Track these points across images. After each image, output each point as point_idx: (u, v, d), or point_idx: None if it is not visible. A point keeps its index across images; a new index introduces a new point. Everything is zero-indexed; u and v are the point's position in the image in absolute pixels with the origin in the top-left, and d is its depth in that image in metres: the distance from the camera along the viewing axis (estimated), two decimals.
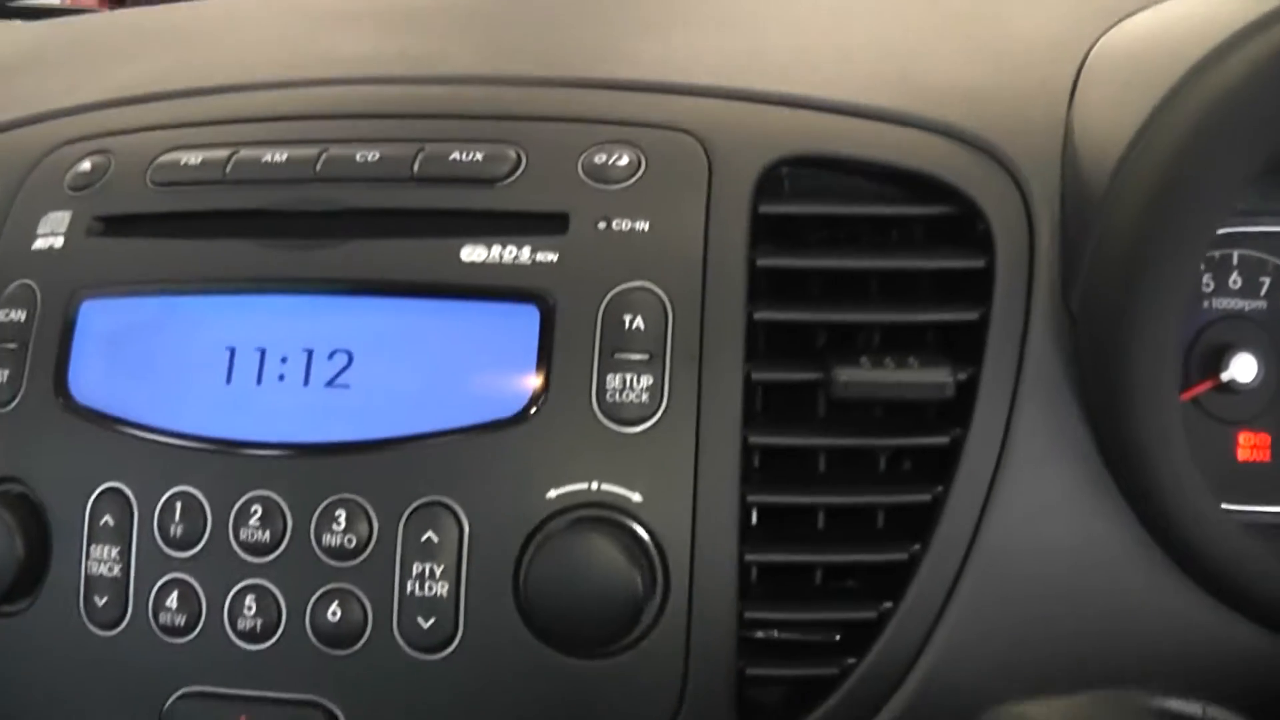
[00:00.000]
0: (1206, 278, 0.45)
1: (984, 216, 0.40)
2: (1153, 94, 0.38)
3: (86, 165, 0.46)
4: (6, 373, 0.44)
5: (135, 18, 0.73)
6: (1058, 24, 0.49)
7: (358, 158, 0.43)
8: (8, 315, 0.45)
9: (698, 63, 0.47)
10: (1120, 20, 0.48)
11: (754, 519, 0.39)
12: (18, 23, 0.86)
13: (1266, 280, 0.45)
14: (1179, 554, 0.39)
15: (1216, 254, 0.46)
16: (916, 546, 0.39)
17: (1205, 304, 0.45)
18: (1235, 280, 0.45)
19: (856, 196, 0.42)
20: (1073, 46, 0.46)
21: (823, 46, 0.48)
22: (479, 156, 0.42)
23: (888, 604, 0.39)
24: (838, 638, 0.40)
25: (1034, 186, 0.41)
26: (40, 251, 0.45)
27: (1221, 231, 0.45)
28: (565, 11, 0.56)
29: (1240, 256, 0.46)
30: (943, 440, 0.39)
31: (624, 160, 0.41)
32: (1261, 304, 0.45)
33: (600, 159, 0.41)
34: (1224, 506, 0.40)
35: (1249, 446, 0.45)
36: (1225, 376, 0.44)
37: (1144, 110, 0.38)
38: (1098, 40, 0.46)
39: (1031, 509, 0.39)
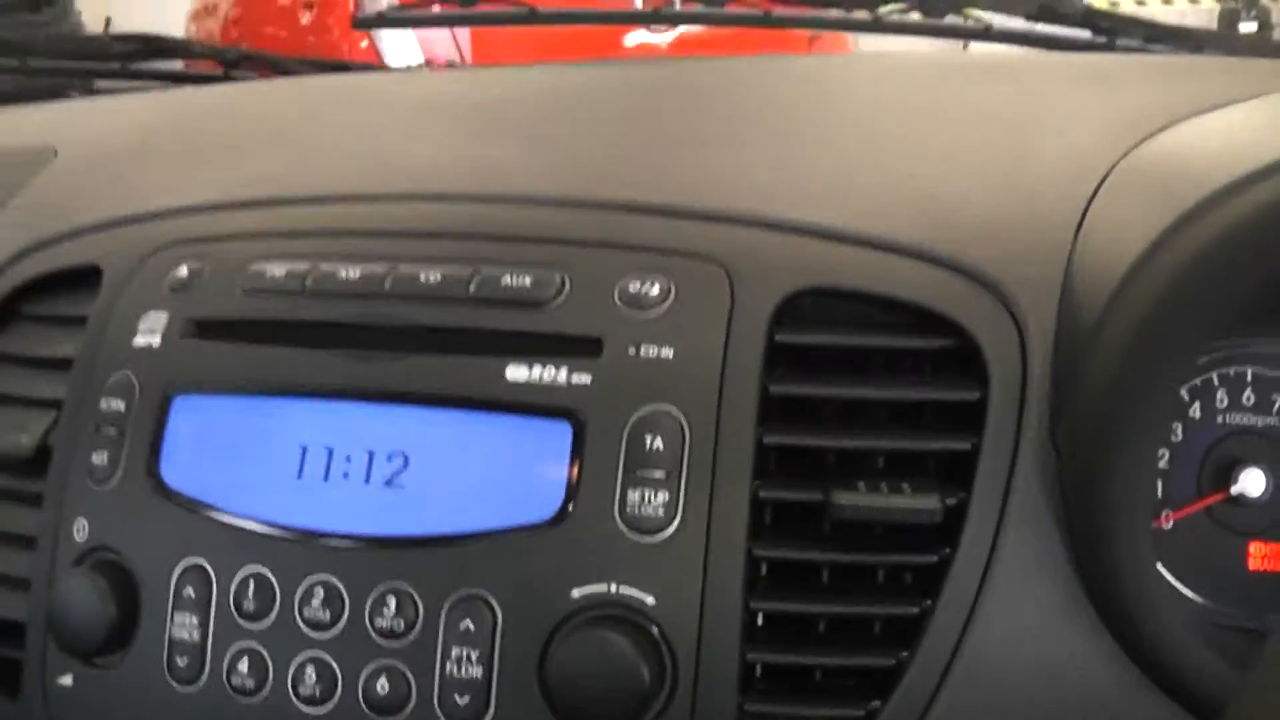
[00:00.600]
0: (1220, 394, 0.47)
1: (981, 351, 0.43)
2: (1147, 232, 0.41)
3: (184, 271, 0.52)
4: (106, 455, 0.49)
5: (235, 104, 0.79)
6: (1087, 140, 0.51)
7: (421, 278, 0.47)
8: (109, 405, 0.50)
9: (734, 187, 0.50)
10: (1147, 138, 0.51)
11: (759, 621, 0.43)
12: (132, 97, 0.93)
13: (1278, 398, 0.47)
14: (1152, 671, 0.41)
15: (1231, 370, 0.48)
16: (905, 654, 0.42)
17: (1219, 419, 0.47)
18: (1248, 397, 0.47)
19: (869, 324, 0.45)
20: (1094, 167, 0.49)
21: (852, 173, 0.52)
22: (527, 281, 0.46)
23: (876, 703, 0.42)
24: None
25: (1031, 321, 0.44)
26: (140, 349, 0.50)
27: (1236, 350, 0.48)
28: (625, 125, 0.60)
29: (1254, 374, 0.48)
30: (932, 559, 0.42)
31: (655, 290, 0.45)
32: (1273, 420, 0.47)
33: (634, 287, 0.45)
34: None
35: (1260, 556, 0.47)
36: (1235, 490, 0.46)
37: (1137, 248, 0.41)
38: (1119, 161, 0.49)
39: (1012, 625, 0.42)
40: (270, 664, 0.45)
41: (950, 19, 0.86)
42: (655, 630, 0.42)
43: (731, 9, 0.88)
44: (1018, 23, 0.85)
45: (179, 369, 0.49)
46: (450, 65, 0.97)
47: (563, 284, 0.46)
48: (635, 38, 3.42)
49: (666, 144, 0.57)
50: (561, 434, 0.44)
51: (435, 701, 0.43)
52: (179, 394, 0.49)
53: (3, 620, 0.52)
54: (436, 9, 0.97)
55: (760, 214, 0.48)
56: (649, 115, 0.64)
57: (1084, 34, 0.80)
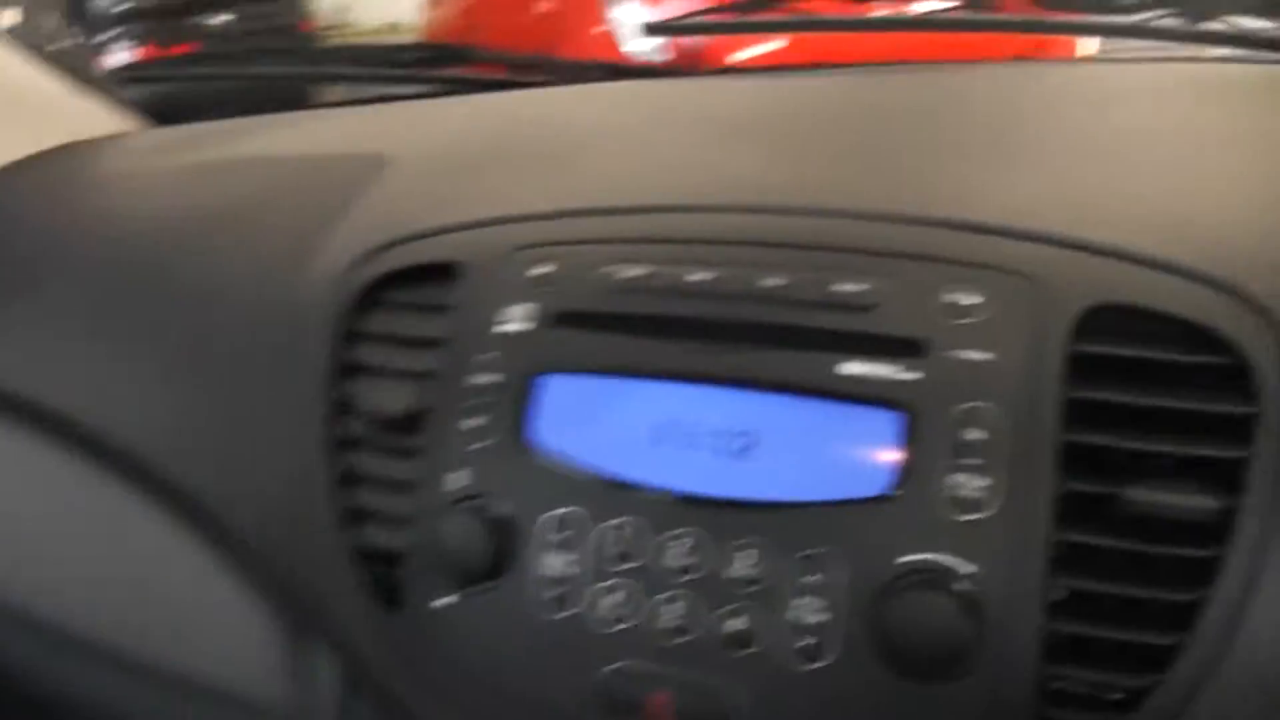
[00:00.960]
0: None
1: (1253, 369, 0.49)
2: None
3: (546, 269, 0.61)
4: (479, 420, 0.59)
5: (554, 112, 0.89)
6: None
7: (761, 282, 0.55)
8: (480, 379, 0.60)
9: (1039, 207, 0.57)
10: None
11: (1059, 596, 0.49)
12: (439, 105, 1.03)
13: None
14: None
15: None
16: (1184, 634, 0.48)
17: None
18: None
19: (1152, 338, 0.51)
20: None
21: (1137, 195, 0.58)
22: (858, 288, 0.53)
23: (1157, 676, 0.48)
24: (1118, 696, 0.49)
25: None
26: (507, 334, 0.60)
27: None
28: (928, 141, 0.67)
29: None
30: (1209, 553, 0.48)
31: (971, 300, 0.52)
32: None
33: (952, 296, 0.52)
34: None
35: None
36: None
37: None
38: None
39: None
40: (633, 603, 0.54)
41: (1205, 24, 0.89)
42: (972, 596, 0.49)
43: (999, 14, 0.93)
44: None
45: (542, 352, 0.58)
46: (734, 70, 1.05)
47: (889, 292, 0.53)
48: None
49: (968, 160, 0.64)
50: (893, 422, 0.51)
51: (783, 642, 0.51)
52: (543, 373, 0.58)
53: (386, 550, 0.62)
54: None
55: (1065, 235, 0.54)
56: (942, 129, 0.70)
57: None
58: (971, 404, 0.50)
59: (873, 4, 1.04)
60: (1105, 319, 0.51)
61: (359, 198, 0.74)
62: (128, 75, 1.28)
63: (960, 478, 0.50)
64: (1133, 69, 0.86)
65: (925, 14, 0.95)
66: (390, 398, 0.63)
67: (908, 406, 0.51)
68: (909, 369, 0.51)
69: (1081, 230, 0.54)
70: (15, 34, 1.14)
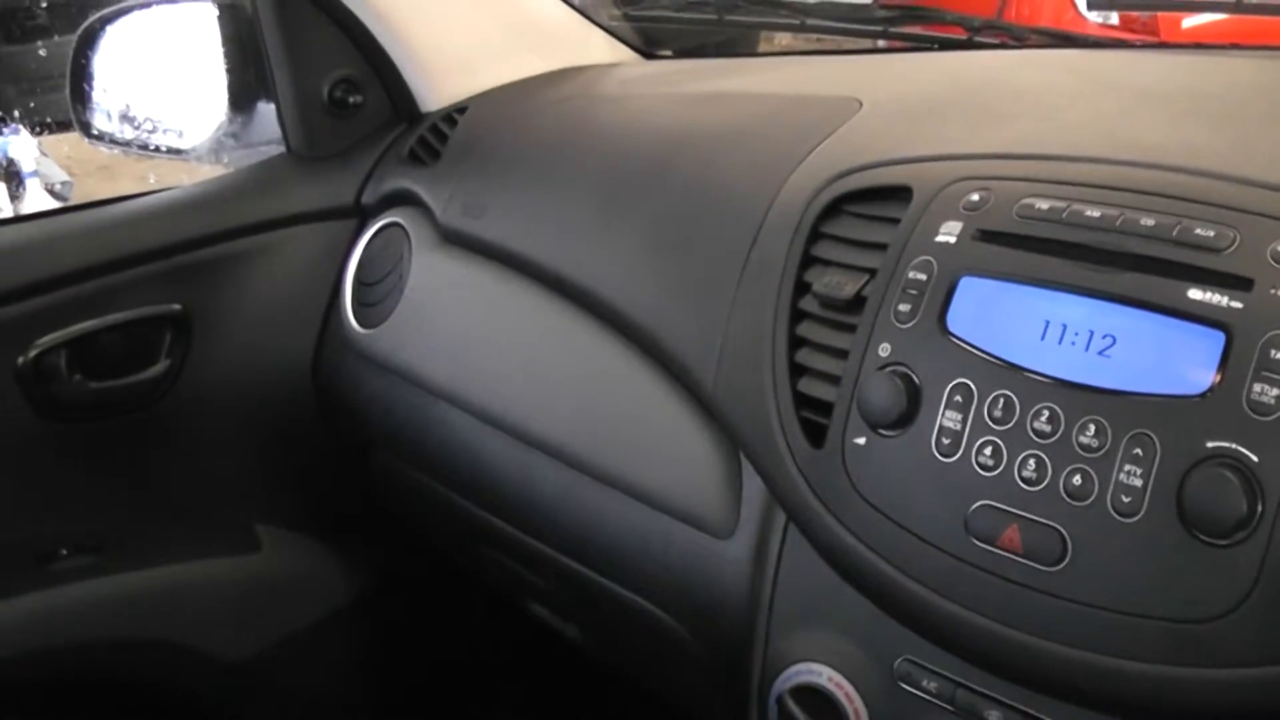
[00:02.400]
0: None
1: None
2: None
3: (975, 197, 0.77)
4: (909, 306, 0.76)
5: (999, 74, 1.04)
6: None
7: (1142, 221, 0.70)
8: (915, 275, 0.76)
9: None
10: None
11: None
12: (908, 59, 1.21)
13: None
14: None
15: None
16: None
17: None
18: None
19: None
20: None
21: None
22: (1212, 234, 0.67)
23: None
24: None
25: None
26: (941, 244, 0.77)
27: None
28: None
29: None
30: None
31: None
32: None
33: (1278, 247, 0.65)
34: None
35: None
36: None
37: None
38: None
39: None
40: (1005, 453, 0.70)
41: None
42: (1255, 478, 0.62)
43: None
44: None
45: (968, 259, 0.75)
46: (1151, 45, 1.16)
47: (1234, 239, 0.66)
48: None
49: None
50: (1218, 339, 0.65)
51: (1108, 499, 0.66)
52: (965, 275, 0.75)
53: (819, 399, 0.81)
54: None
55: None
56: None
57: None
58: (1278, 331, 0.63)
59: None
60: None
61: (836, 130, 0.94)
62: (624, 14, 1.54)
63: (1260, 387, 0.63)
64: None
65: None
66: (842, 284, 0.81)
67: (1231, 329, 0.64)
68: (1237, 300, 0.65)
69: None
70: None
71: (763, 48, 3.74)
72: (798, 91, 1.08)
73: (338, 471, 1.41)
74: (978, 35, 1.23)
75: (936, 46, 1.25)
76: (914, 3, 1.35)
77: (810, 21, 1.24)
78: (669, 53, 1.49)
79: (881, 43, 1.37)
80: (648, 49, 1.46)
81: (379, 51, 1.33)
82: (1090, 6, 1.26)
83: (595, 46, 1.44)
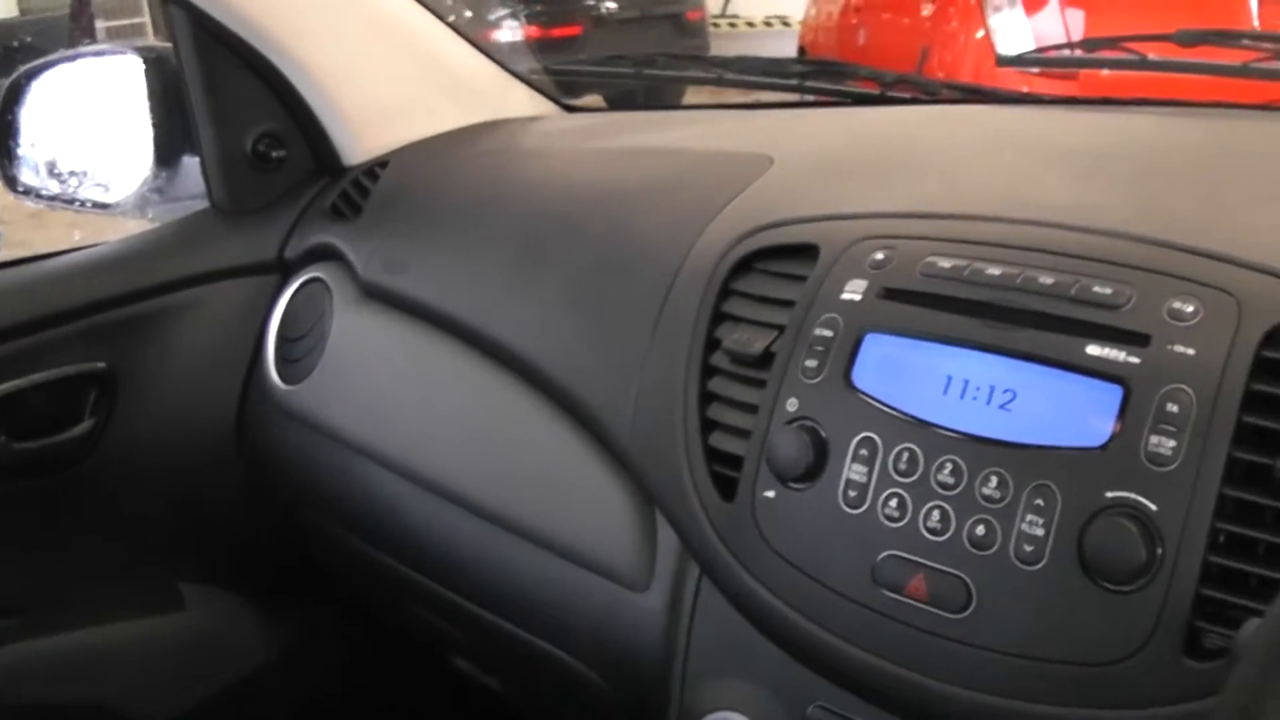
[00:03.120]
0: None
1: None
2: None
3: (880, 255, 0.79)
4: (816, 363, 0.78)
5: (905, 131, 1.08)
6: None
7: (1040, 280, 0.72)
8: (821, 332, 0.79)
9: (1256, 239, 0.70)
10: None
11: (1220, 538, 0.64)
12: (820, 115, 1.24)
13: None
14: None
15: None
16: None
17: None
18: None
19: None
20: None
21: None
22: (1108, 292, 0.70)
23: None
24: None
25: None
26: (845, 301, 0.79)
27: None
28: (1189, 178, 0.83)
29: None
30: None
31: (1190, 308, 0.67)
32: None
33: (1176, 305, 0.68)
34: None
35: None
36: None
37: None
38: None
39: None
40: (910, 504, 0.72)
41: None
42: (1154, 526, 0.64)
43: None
44: None
45: (873, 316, 0.77)
46: (1059, 100, 1.21)
47: (1131, 297, 0.69)
48: None
49: (1216, 196, 0.79)
50: (1115, 393, 0.67)
51: (1011, 548, 0.68)
52: (870, 332, 0.77)
53: (729, 453, 0.82)
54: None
55: (1267, 265, 0.68)
56: (1205, 168, 0.86)
57: None
58: (1175, 386, 0.66)
59: (1200, 49, 1.16)
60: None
61: (748, 187, 0.96)
62: (544, 66, 1.56)
63: (1156, 439, 0.65)
64: None
65: (1244, 64, 1.08)
66: (751, 340, 0.83)
67: (1128, 383, 0.67)
68: (1134, 355, 0.67)
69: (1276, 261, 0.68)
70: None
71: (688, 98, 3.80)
72: (712, 147, 1.10)
73: (264, 528, 1.40)
74: (890, 90, 1.26)
75: (851, 101, 1.28)
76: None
77: (728, 76, 1.27)
78: (590, 104, 1.51)
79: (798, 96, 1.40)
80: (569, 101, 1.48)
81: (302, 105, 1.34)
82: (999, 63, 1.30)
83: (516, 99, 1.46)
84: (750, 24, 8.43)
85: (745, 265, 0.88)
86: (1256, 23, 3.35)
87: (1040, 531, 0.68)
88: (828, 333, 0.79)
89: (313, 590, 1.47)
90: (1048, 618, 0.67)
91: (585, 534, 0.97)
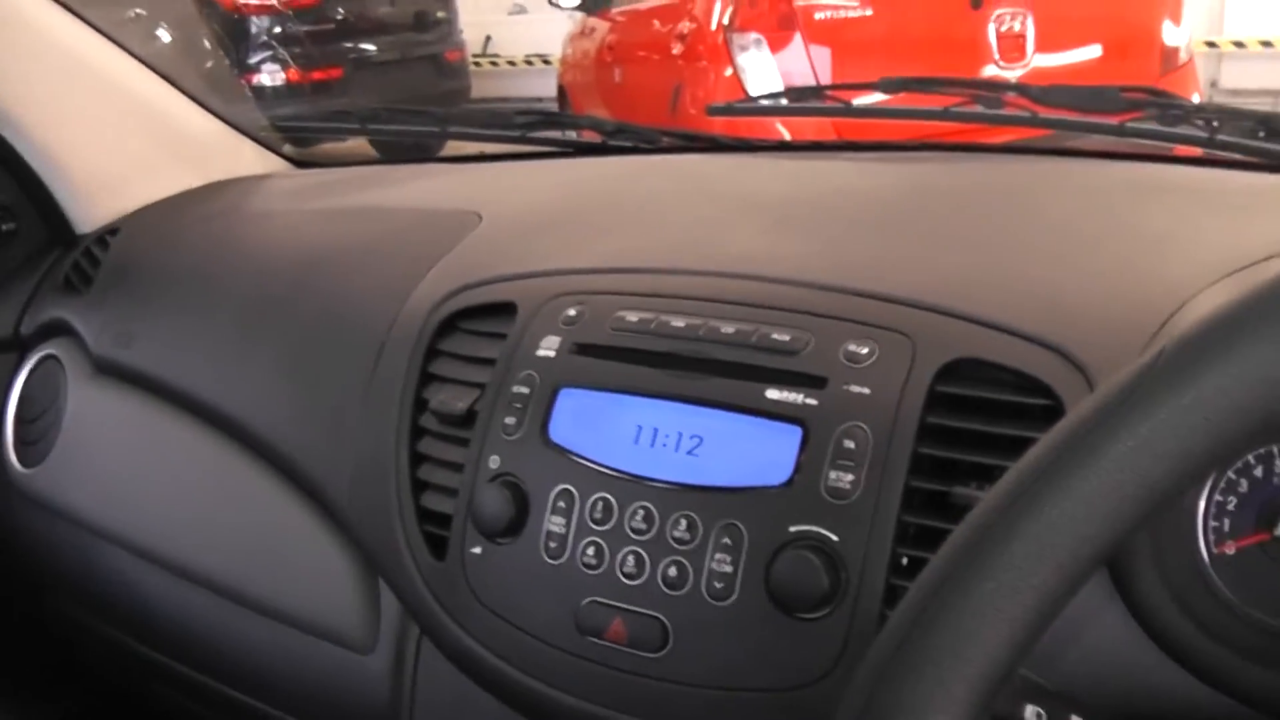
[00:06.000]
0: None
1: (1064, 410, 0.66)
2: None
3: (572, 312, 0.82)
4: (514, 419, 0.80)
5: (608, 185, 1.10)
6: (1189, 265, 0.73)
7: (722, 329, 0.75)
8: (519, 390, 0.80)
9: (927, 281, 0.75)
10: (1245, 268, 0.71)
11: (902, 562, 0.68)
12: (530, 168, 1.25)
13: None
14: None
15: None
16: None
17: (1275, 479, 0.65)
18: None
19: (1000, 383, 0.69)
20: (1183, 287, 0.69)
21: (1004, 277, 0.76)
22: (788, 338, 0.73)
23: None
24: None
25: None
26: (541, 357, 0.81)
27: None
28: (872, 225, 0.87)
29: None
30: None
31: (864, 350, 0.71)
32: None
33: (852, 347, 0.72)
34: None
35: None
36: (1277, 532, 0.65)
37: None
38: (1206, 287, 0.70)
39: None
40: (607, 551, 0.74)
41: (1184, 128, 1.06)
42: (837, 556, 0.68)
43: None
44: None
45: (566, 372, 0.79)
46: (769, 146, 1.27)
47: (809, 342, 0.73)
48: (989, 70, 3.62)
49: (898, 241, 0.85)
50: (795, 434, 0.71)
51: (703, 586, 0.71)
52: (564, 387, 0.79)
53: (439, 512, 0.83)
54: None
55: (940, 305, 0.73)
56: (897, 211, 0.91)
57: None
58: (851, 424, 0.70)
59: (911, 95, 1.23)
60: (965, 368, 0.70)
61: (455, 246, 0.97)
62: (271, 123, 1.54)
63: (835, 474, 0.69)
64: (1091, 167, 1.04)
65: (945, 108, 1.15)
66: (455, 399, 0.84)
67: (807, 423, 0.71)
68: (811, 397, 0.71)
69: (954, 302, 0.73)
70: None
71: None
72: (428, 205, 1.11)
73: (11, 617, 1.33)
74: (612, 139, 1.30)
75: (574, 151, 1.31)
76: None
77: (451, 129, 1.28)
78: (318, 159, 1.50)
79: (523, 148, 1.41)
80: (298, 157, 1.46)
81: (29, 174, 1.28)
82: (709, 113, 1.35)
83: (246, 158, 1.44)
84: (511, 63, 8.48)
85: (450, 325, 0.89)
86: (997, 56, 3.57)
87: (729, 568, 0.70)
88: (525, 389, 0.80)
89: (67, 681, 1.40)
90: (740, 649, 0.70)
91: (311, 602, 0.97)
